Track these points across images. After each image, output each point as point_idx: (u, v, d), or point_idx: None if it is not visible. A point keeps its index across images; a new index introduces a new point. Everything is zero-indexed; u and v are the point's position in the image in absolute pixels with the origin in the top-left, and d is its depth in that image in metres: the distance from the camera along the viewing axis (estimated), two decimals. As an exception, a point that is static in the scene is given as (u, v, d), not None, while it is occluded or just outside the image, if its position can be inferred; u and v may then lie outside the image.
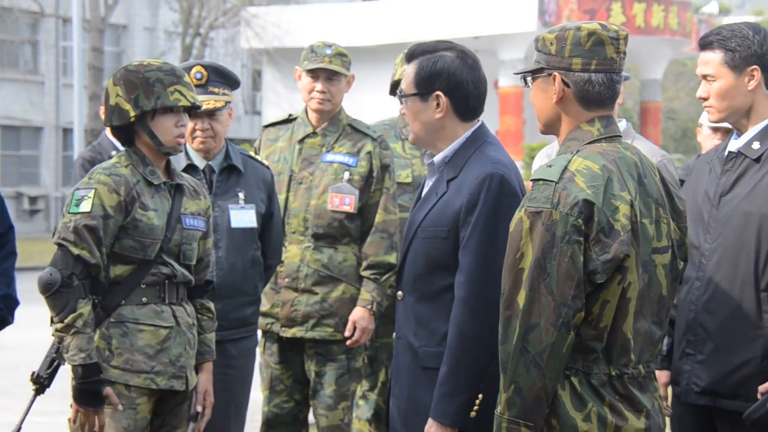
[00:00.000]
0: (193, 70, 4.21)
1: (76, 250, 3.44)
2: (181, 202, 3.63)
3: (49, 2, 27.62)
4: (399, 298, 3.23)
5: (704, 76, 3.40)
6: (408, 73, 3.22)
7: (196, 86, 4.16)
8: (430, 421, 3.06)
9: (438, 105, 3.17)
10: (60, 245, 3.47)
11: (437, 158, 3.21)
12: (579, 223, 2.53)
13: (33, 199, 28.31)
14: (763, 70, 3.36)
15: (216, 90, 4.22)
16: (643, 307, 2.64)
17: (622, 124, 3.77)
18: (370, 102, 14.17)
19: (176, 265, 3.59)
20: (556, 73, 2.71)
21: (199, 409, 3.72)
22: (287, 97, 22.04)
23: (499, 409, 2.59)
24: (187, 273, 3.64)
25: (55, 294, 3.42)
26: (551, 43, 2.72)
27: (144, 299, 3.53)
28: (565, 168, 2.59)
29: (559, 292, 2.52)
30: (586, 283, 2.55)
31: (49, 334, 3.60)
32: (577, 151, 2.65)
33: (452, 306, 3.08)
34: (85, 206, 3.46)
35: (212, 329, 3.79)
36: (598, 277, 2.55)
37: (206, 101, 4.17)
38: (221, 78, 4.26)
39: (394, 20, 20.56)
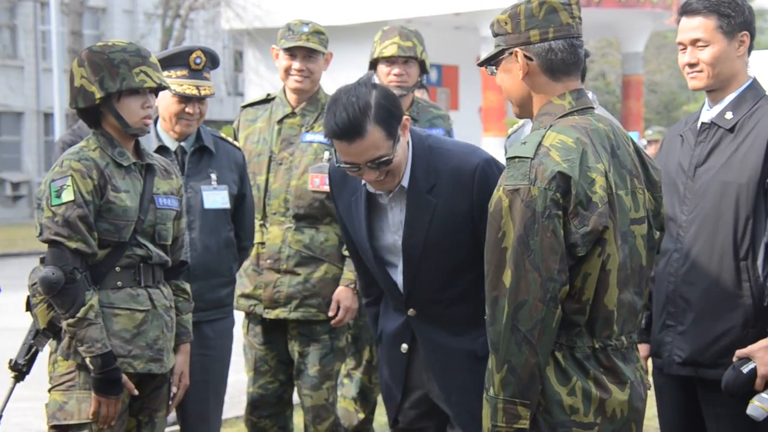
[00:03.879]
0: (194, 55, 4.22)
1: (72, 244, 3.40)
2: (152, 182, 3.60)
3: (26, -14, 27.44)
4: (412, 315, 3.16)
5: (693, 42, 3.38)
6: (374, 140, 2.97)
7: (194, 70, 4.19)
8: None
9: (405, 127, 3.07)
10: (53, 242, 3.41)
11: (405, 182, 3.08)
12: (557, 197, 2.53)
13: (15, 185, 28.19)
14: (750, 38, 3.38)
15: (207, 76, 4.26)
16: (626, 278, 2.64)
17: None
18: (350, 80, 14.13)
19: (151, 246, 3.57)
20: (516, 50, 2.71)
21: (175, 390, 3.72)
22: (269, 77, 21.95)
23: (492, 390, 2.58)
24: (162, 254, 3.61)
25: (62, 292, 3.38)
26: (506, 23, 2.73)
27: (119, 283, 3.51)
28: (540, 144, 2.59)
29: (545, 267, 2.52)
30: (568, 257, 2.55)
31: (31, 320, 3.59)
32: (551, 126, 2.65)
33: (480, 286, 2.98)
34: (68, 195, 3.41)
35: (189, 310, 3.78)
36: (578, 250, 2.55)
37: (203, 87, 4.21)
38: (213, 64, 4.31)
39: (375, -2, 20.47)
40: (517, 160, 2.59)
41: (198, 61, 4.21)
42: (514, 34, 2.71)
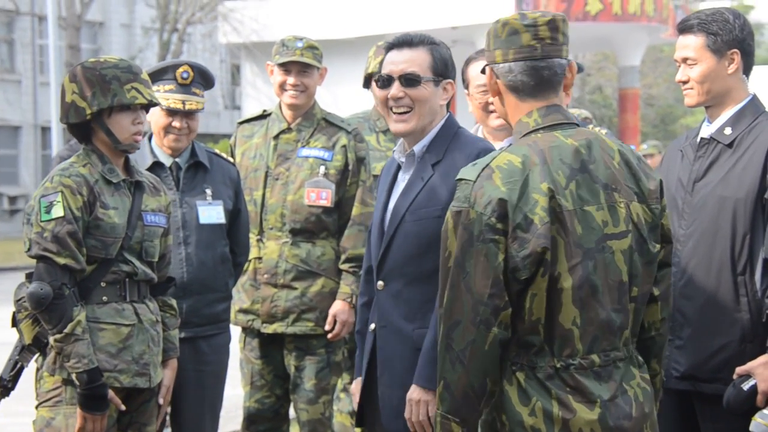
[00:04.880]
0: (181, 69, 4.23)
1: (61, 260, 3.40)
2: (141, 198, 3.61)
3: (24, 0, 27.46)
4: (380, 288, 3.24)
5: (684, 60, 3.41)
6: (420, 57, 3.22)
7: (181, 85, 4.20)
8: (413, 387, 3.08)
9: (445, 92, 3.25)
10: (42, 257, 3.41)
11: (417, 148, 3.24)
12: (493, 222, 2.54)
13: (12, 199, 28.18)
14: (742, 55, 3.39)
15: (197, 91, 4.26)
16: (596, 295, 2.59)
17: None
18: (348, 94, 14.15)
19: (137, 263, 3.57)
20: (487, 67, 2.75)
21: (161, 401, 3.71)
22: (266, 91, 21.99)
23: (436, 403, 2.62)
24: (148, 271, 3.61)
25: (50, 307, 3.37)
26: (486, 39, 2.76)
27: (104, 298, 3.51)
28: (487, 165, 2.60)
29: (477, 291, 2.53)
30: (512, 281, 2.54)
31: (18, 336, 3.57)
32: (509, 145, 2.67)
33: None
34: (58, 211, 3.42)
35: (176, 326, 3.78)
36: (520, 273, 2.54)
37: (189, 101, 4.21)
38: (203, 80, 4.30)
39: (372, 12, 20.54)
40: (463, 182, 2.61)
41: (185, 75, 4.22)
42: (487, 52, 2.75)
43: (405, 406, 3.13)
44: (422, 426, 3.09)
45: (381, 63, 3.32)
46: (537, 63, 2.67)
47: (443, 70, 3.23)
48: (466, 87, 3.91)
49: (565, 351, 2.58)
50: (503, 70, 2.70)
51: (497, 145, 3.86)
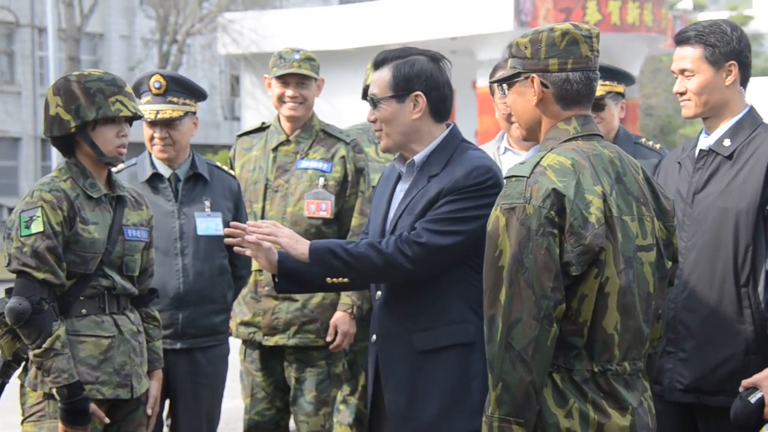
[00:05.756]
0: (152, 79, 4.24)
1: (40, 275, 3.40)
2: (122, 213, 3.61)
3: (24, 12, 27.54)
4: (377, 298, 3.28)
5: (682, 71, 3.42)
6: (381, 77, 3.26)
7: (155, 95, 4.20)
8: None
9: (416, 106, 3.24)
10: (21, 272, 3.41)
11: (417, 157, 3.26)
12: (552, 215, 2.55)
13: (12, 210, 28.21)
14: (739, 67, 3.38)
15: (175, 99, 4.24)
16: (630, 303, 2.63)
17: None
18: (348, 105, 14.16)
19: (117, 278, 3.57)
20: (534, 75, 2.72)
21: (150, 412, 3.70)
22: (266, 102, 22.02)
23: (489, 409, 2.58)
24: (128, 285, 3.61)
25: (29, 322, 3.37)
26: (525, 47, 2.74)
27: (83, 311, 3.50)
28: (537, 164, 2.61)
29: (539, 285, 2.53)
30: (564, 276, 2.55)
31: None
32: (552, 149, 2.67)
33: (426, 285, 3.17)
34: (37, 226, 3.42)
35: (159, 337, 3.78)
36: (573, 269, 2.55)
37: (163, 110, 4.21)
38: (181, 88, 4.27)
39: (372, 23, 20.60)
40: (513, 179, 2.62)
41: (157, 85, 4.21)
42: (533, 60, 2.73)
43: (413, 407, 3.15)
44: None
45: None
46: (590, 74, 2.72)
47: (406, 84, 3.24)
48: (493, 94, 3.94)
49: (604, 356, 2.61)
50: (558, 79, 2.71)
51: (521, 154, 3.88)
